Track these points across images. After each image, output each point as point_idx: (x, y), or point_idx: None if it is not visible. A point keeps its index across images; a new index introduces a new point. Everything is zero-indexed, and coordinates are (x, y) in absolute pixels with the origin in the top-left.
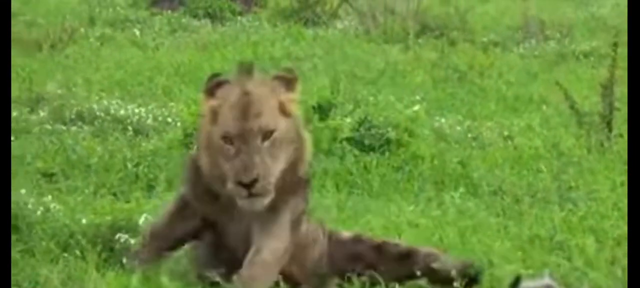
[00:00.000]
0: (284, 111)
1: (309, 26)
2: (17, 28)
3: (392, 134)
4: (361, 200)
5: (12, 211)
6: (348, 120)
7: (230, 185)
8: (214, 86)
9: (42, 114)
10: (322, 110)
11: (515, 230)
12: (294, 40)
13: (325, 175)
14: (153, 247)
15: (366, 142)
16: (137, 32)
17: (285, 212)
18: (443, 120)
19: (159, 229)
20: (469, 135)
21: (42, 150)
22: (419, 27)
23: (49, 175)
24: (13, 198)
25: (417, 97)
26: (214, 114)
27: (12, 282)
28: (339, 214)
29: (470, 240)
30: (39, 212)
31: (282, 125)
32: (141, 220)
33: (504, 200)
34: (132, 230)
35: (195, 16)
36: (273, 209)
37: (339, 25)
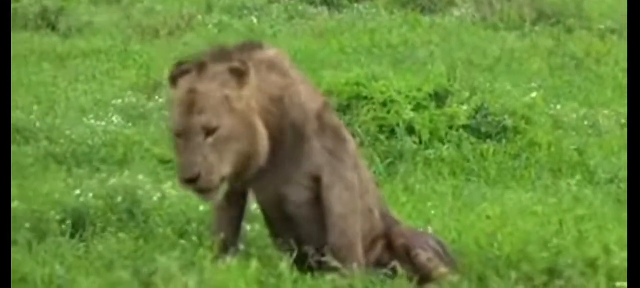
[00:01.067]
0: (231, 107)
1: (425, 13)
2: (136, 15)
3: (508, 122)
4: (478, 188)
5: (131, 196)
6: (465, 107)
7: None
8: (177, 75)
9: (160, 100)
10: (439, 98)
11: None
12: (411, 27)
13: (443, 162)
14: (220, 243)
15: (483, 129)
16: (255, 20)
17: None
18: (560, 107)
19: (215, 226)
20: (586, 123)
21: (159, 136)
22: (535, 14)
23: (166, 162)
24: (131, 183)
25: (534, 85)
26: (171, 106)
27: (132, 268)
28: (454, 202)
29: (587, 227)
30: (156, 198)
31: (227, 122)
32: (254, 207)
33: (620, 188)
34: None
35: (312, 3)
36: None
37: (456, 12)
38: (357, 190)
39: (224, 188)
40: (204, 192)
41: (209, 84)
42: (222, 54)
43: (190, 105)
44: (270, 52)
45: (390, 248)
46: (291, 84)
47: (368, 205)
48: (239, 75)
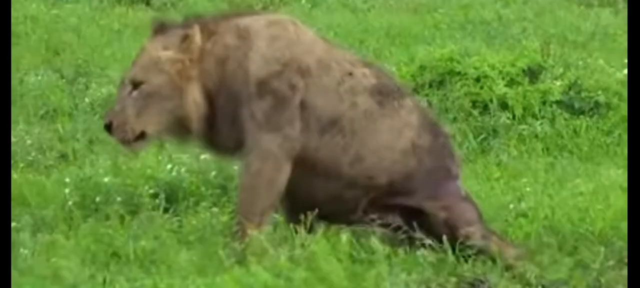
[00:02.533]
0: (161, 67)
1: None
2: None
3: (602, 98)
4: (570, 163)
5: (224, 171)
6: (558, 83)
7: None
8: (155, 30)
9: None
10: (533, 74)
11: None
12: (505, 3)
13: (536, 138)
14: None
15: (576, 105)
16: None
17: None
18: None
19: None
20: None
21: None
22: None
23: None
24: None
25: (628, 61)
26: None
27: (225, 242)
28: (547, 177)
29: None
30: None
31: (153, 79)
32: None
33: None
34: None
35: None
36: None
37: None
38: (275, 160)
39: (145, 143)
40: (122, 142)
41: (153, 43)
42: (195, 20)
43: (134, 59)
44: (251, 19)
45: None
46: (242, 47)
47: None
48: (183, 39)
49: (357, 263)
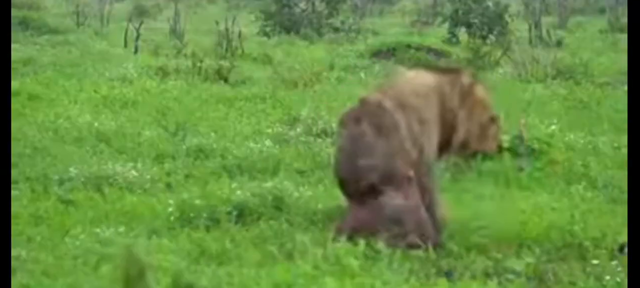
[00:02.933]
0: None
1: (480, 71)
2: (281, 71)
3: (536, 146)
4: (515, 192)
5: (278, 195)
6: (507, 136)
7: None
8: None
9: (298, 130)
10: None
11: (621, 212)
12: None
13: (491, 174)
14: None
15: (519, 151)
16: (363, 75)
17: None
18: (571, 135)
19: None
20: (589, 146)
21: (297, 155)
22: (555, 71)
23: (301, 172)
24: (278, 186)
25: (554, 120)
26: None
27: (278, 244)
28: (500, 201)
29: (589, 218)
30: (294, 197)
31: None
32: None
33: (613, 191)
34: None
35: (401, 64)
36: None
37: (500, 70)
38: None
39: None
40: None
41: None
42: None
43: None
44: None
45: None
46: None
47: None
48: None
49: (369, 259)
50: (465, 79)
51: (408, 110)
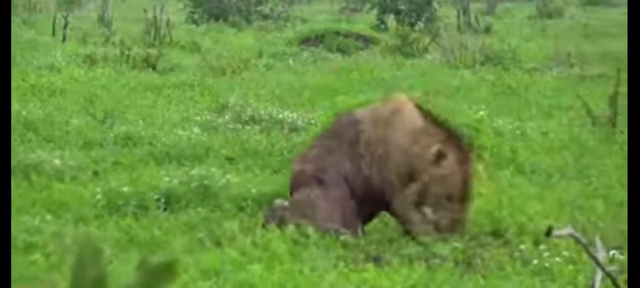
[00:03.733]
0: None
1: (408, 57)
2: (210, 59)
3: (464, 131)
4: None
5: (206, 183)
6: None
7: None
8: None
9: (226, 117)
10: None
11: (549, 197)
12: (398, 67)
13: None
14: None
15: None
16: (291, 62)
17: None
18: (499, 121)
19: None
20: (517, 132)
21: (225, 142)
22: (483, 57)
23: (230, 159)
24: (206, 173)
25: (482, 106)
26: None
27: (207, 231)
28: None
29: (518, 204)
30: (222, 184)
31: None
32: None
33: (540, 177)
34: (286, 197)
35: (330, 50)
36: None
37: (429, 57)
38: None
39: None
40: None
41: None
42: None
43: None
44: None
45: None
46: None
47: None
48: None
49: (298, 245)
50: (436, 150)
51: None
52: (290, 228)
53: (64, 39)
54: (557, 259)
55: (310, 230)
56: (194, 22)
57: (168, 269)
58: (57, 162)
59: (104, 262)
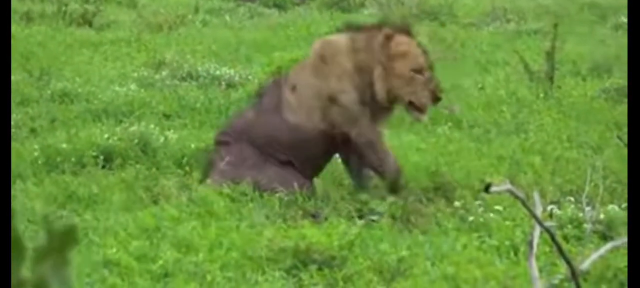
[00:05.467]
0: None
1: (345, 12)
2: (146, 15)
3: None
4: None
5: (144, 139)
6: None
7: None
8: None
9: (163, 73)
10: None
11: (487, 152)
12: (334, 21)
13: None
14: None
15: None
16: (228, 18)
17: None
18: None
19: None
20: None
21: (163, 99)
22: (419, 12)
23: (167, 116)
24: (144, 130)
25: None
26: None
27: (145, 188)
28: None
29: (456, 159)
30: (160, 141)
31: None
32: None
33: (479, 131)
34: None
35: (267, 6)
36: None
37: (365, 11)
38: None
39: None
40: None
41: None
42: None
43: None
44: None
45: None
46: None
47: None
48: None
49: (235, 201)
50: (382, 34)
51: (309, 82)
52: (227, 185)
53: None
54: (495, 215)
55: (247, 187)
56: None
57: (70, 232)
58: None
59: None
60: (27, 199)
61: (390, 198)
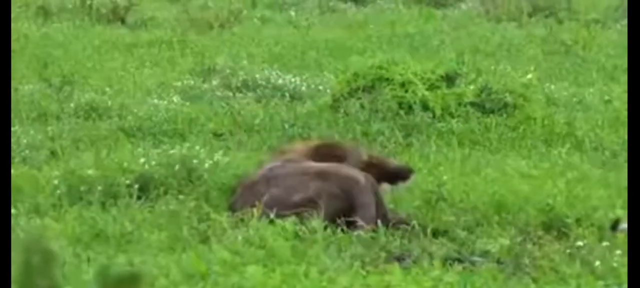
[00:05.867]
0: None
1: (438, 7)
2: (192, 10)
3: (509, 99)
4: (482, 155)
5: (189, 164)
6: (471, 87)
7: None
8: None
9: (213, 83)
10: (449, 79)
11: (614, 180)
12: (425, 19)
13: (452, 134)
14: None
15: (487, 105)
16: (293, 13)
17: None
18: (552, 86)
19: None
20: (574, 99)
21: (213, 114)
22: (531, 7)
23: (218, 135)
24: (189, 153)
25: (530, 68)
26: None
27: (188, 225)
28: (463, 167)
29: (576, 188)
30: (209, 166)
31: None
32: None
33: (604, 155)
34: None
35: None
36: None
37: (464, 6)
38: None
39: None
40: None
41: None
42: None
43: None
44: None
45: None
46: None
47: None
48: None
49: (301, 241)
50: None
51: None
52: (291, 220)
53: None
54: (625, 259)
55: (316, 223)
56: None
57: (132, 282)
58: None
59: (59, 267)
60: (45, 238)
61: (499, 238)
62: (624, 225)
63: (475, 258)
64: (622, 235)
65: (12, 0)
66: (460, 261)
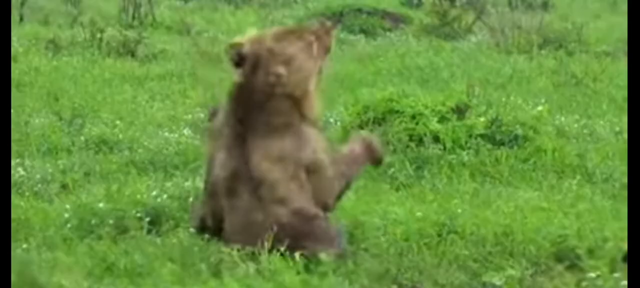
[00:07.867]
0: None
1: (448, 40)
2: (202, 44)
3: (519, 131)
4: (493, 188)
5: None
6: (482, 119)
7: None
8: None
9: None
10: (460, 111)
11: (625, 212)
12: (436, 51)
13: (463, 166)
14: None
15: (497, 137)
16: None
17: None
18: (562, 118)
19: None
20: (585, 131)
21: None
22: (541, 40)
23: None
24: (199, 185)
25: (541, 100)
26: None
27: (197, 257)
28: (473, 200)
29: (587, 220)
30: None
31: None
32: None
33: (615, 187)
34: None
35: (351, 32)
36: None
37: (473, 38)
38: None
39: None
40: None
41: None
42: None
43: None
44: None
45: None
46: None
47: None
48: None
49: (312, 274)
50: None
51: None
52: (298, 255)
53: (21, 19)
54: None
55: (323, 255)
56: None
57: None
58: (16, 172)
59: None
60: (57, 273)
61: (510, 270)
62: None
63: None
64: None
65: (22, 34)
66: None
